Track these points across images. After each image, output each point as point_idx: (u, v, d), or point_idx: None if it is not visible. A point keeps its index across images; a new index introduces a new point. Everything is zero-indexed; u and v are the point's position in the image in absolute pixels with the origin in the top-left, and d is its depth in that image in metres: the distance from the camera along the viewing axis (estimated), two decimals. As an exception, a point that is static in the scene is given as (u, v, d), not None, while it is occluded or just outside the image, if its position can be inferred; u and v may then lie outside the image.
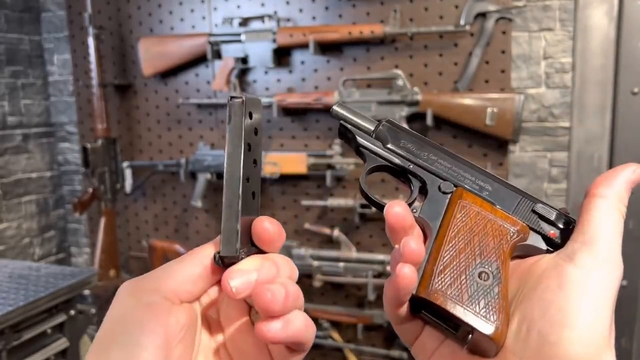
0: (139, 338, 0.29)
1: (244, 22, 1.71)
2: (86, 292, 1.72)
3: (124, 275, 1.98)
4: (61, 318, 1.45)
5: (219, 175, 1.78)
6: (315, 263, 1.64)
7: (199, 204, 1.79)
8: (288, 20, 1.67)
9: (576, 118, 1.46)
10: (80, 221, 2.20)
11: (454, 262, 0.35)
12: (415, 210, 0.38)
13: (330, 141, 1.65)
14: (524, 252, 0.36)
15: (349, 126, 0.41)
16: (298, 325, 0.31)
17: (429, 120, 1.47)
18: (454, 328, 0.34)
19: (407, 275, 0.33)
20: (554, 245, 0.36)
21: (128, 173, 1.88)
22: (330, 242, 1.70)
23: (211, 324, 0.35)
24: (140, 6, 1.87)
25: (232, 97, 0.33)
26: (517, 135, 1.46)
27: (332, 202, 1.65)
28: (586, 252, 0.32)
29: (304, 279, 1.73)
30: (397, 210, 0.36)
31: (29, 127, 2.07)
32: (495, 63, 1.48)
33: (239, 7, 1.73)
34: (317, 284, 1.64)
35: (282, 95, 1.65)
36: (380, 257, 1.59)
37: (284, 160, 1.66)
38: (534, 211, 0.37)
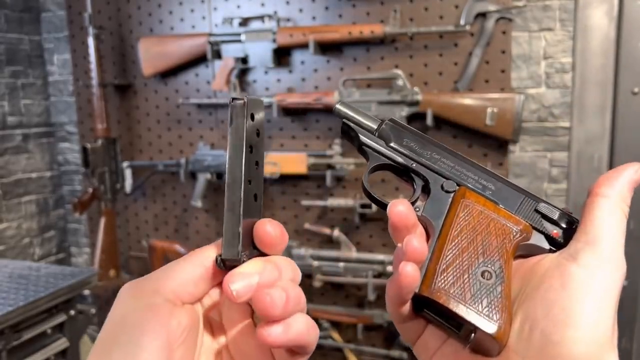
0: (140, 339, 0.29)
1: (244, 22, 1.71)
2: (86, 292, 1.72)
3: (124, 275, 1.98)
4: (61, 318, 1.45)
5: (219, 175, 1.78)
6: (315, 263, 1.64)
7: (199, 204, 1.79)
8: (288, 20, 1.67)
9: (576, 118, 1.46)
10: (80, 221, 2.20)
11: (457, 261, 0.35)
12: (418, 209, 0.38)
13: (330, 141, 1.65)
14: (527, 251, 0.36)
15: (352, 124, 0.41)
16: (299, 328, 0.31)
17: (429, 120, 1.47)
18: (457, 327, 0.34)
19: (409, 273, 0.33)
20: (556, 245, 0.36)
21: (128, 173, 1.88)
22: (330, 242, 1.70)
23: (213, 325, 0.34)
24: (140, 6, 1.87)
25: (233, 99, 0.33)
26: (517, 135, 1.46)
27: (332, 202, 1.65)
28: (589, 251, 0.32)
29: (304, 279, 1.72)
30: (400, 208, 0.36)
31: (29, 127, 2.07)
32: (495, 63, 1.48)
33: (239, 7, 1.73)
34: (317, 284, 1.64)
35: (282, 95, 1.65)
36: (380, 257, 1.59)
37: (284, 160, 1.66)
38: (536, 210, 0.37)
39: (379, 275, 1.60)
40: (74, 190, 2.18)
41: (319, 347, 1.79)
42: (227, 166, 0.33)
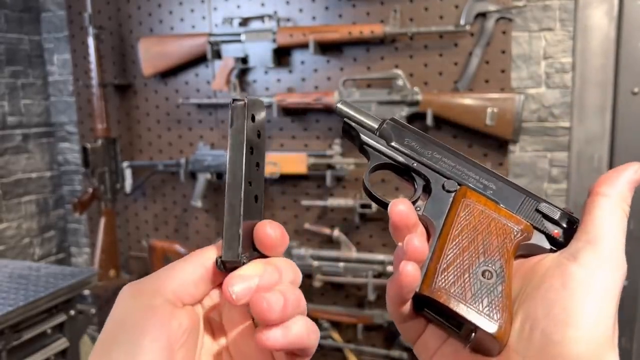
0: (141, 341, 0.29)
1: (244, 22, 1.71)
2: (86, 292, 1.72)
3: (124, 275, 1.98)
4: (61, 318, 1.45)
5: (219, 175, 1.78)
6: (315, 263, 1.64)
7: (199, 204, 1.79)
8: (288, 20, 1.67)
9: (576, 118, 1.46)
10: (80, 221, 2.20)
11: (458, 261, 0.35)
12: (418, 209, 0.38)
13: (330, 141, 1.65)
14: (528, 251, 0.36)
15: (353, 124, 0.41)
16: (299, 331, 0.31)
17: (429, 120, 1.47)
18: (457, 326, 0.34)
19: (410, 272, 0.33)
20: (557, 245, 0.36)
21: (128, 173, 1.88)
22: (330, 242, 1.70)
23: (213, 327, 0.34)
24: (140, 6, 1.87)
25: (234, 100, 0.33)
26: (517, 135, 1.46)
27: (332, 202, 1.65)
28: (590, 251, 0.32)
29: (304, 279, 1.72)
30: (401, 208, 0.36)
31: (29, 127, 2.07)
32: (496, 63, 1.48)
33: (239, 7, 1.73)
34: (317, 284, 1.64)
35: (282, 95, 1.65)
36: (380, 257, 1.59)
37: (284, 160, 1.66)
38: (537, 210, 0.37)
39: (379, 275, 1.60)
40: (74, 190, 2.18)
41: (319, 347, 1.78)
42: (227, 167, 0.32)
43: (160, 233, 2.00)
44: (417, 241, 0.34)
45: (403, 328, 0.37)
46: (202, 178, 1.78)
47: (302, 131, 1.72)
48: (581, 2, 1.40)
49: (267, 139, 1.76)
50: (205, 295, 0.33)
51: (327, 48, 1.61)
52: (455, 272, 0.34)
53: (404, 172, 0.40)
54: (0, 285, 1.42)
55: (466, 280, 0.34)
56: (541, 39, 1.45)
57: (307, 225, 1.71)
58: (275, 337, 0.30)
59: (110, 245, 1.89)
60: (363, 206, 1.60)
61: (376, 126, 0.40)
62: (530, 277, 0.34)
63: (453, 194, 0.38)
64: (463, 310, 0.33)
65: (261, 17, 1.68)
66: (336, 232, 1.65)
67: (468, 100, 1.45)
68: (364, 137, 0.40)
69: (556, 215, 0.36)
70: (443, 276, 0.34)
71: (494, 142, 1.51)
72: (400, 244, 0.35)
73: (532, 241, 0.36)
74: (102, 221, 1.89)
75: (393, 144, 0.40)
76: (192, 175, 1.83)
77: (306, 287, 1.73)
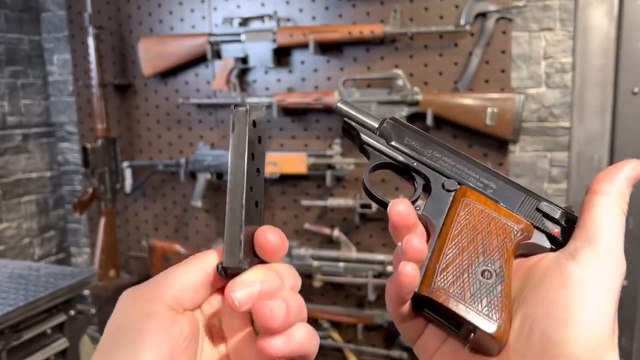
0: (143, 348, 0.29)
1: (244, 22, 1.71)
2: (86, 292, 1.72)
3: (123, 275, 1.98)
4: (61, 318, 1.45)
5: (219, 175, 1.78)
6: (315, 263, 1.64)
7: (198, 204, 1.79)
8: (288, 20, 1.67)
9: (576, 118, 1.46)
10: (80, 221, 2.20)
11: (457, 260, 0.35)
12: (418, 208, 0.38)
13: (330, 141, 1.65)
14: (528, 250, 0.36)
15: (353, 123, 0.41)
16: (300, 339, 0.31)
17: (429, 120, 1.47)
18: (456, 326, 0.34)
19: (409, 273, 0.33)
20: (558, 244, 0.36)
21: (128, 173, 1.88)
22: (330, 242, 1.70)
23: (213, 333, 0.34)
24: (140, 6, 1.87)
25: (235, 106, 0.33)
26: (517, 135, 1.46)
27: (332, 202, 1.65)
28: (588, 250, 0.32)
29: (304, 279, 1.72)
30: (400, 208, 0.36)
31: (29, 127, 2.07)
32: (496, 63, 1.48)
33: (239, 7, 1.73)
34: (317, 284, 1.64)
35: (282, 95, 1.65)
36: (380, 257, 1.59)
37: (284, 160, 1.66)
38: (538, 209, 0.37)
39: (379, 275, 1.60)
40: (74, 190, 2.18)
41: (319, 347, 1.78)
42: (229, 172, 0.32)
43: (160, 233, 2.00)
44: (416, 241, 0.34)
45: (403, 328, 0.37)
46: (202, 178, 1.78)
47: (302, 131, 1.72)
48: (581, 2, 1.40)
49: (267, 139, 1.76)
50: (204, 301, 0.33)
51: (327, 48, 1.61)
52: (455, 272, 0.34)
53: (404, 171, 0.40)
54: (0, 285, 1.42)
55: (465, 280, 0.34)
56: (541, 39, 1.45)
57: (307, 225, 1.71)
58: (277, 345, 0.30)
59: (110, 245, 1.89)
60: (363, 206, 1.60)
61: (376, 125, 0.40)
62: (530, 276, 0.34)
63: (453, 193, 0.38)
64: (462, 310, 0.33)
65: (261, 17, 1.68)
66: (336, 232, 1.65)
67: (468, 100, 1.45)
68: (363, 137, 0.40)
69: (557, 214, 0.36)
70: (442, 276, 0.34)
71: (494, 142, 1.51)
72: (399, 244, 0.35)
73: (532, 240, 0.36)
74: (102, 221, 1.89)
75: (393, 143, 0.40)
76: (192, 175, 1.83)
77: (306, 287, 1.73)
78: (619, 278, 0.32)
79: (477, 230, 0.36)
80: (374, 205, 1.56)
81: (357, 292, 1.74)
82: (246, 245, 0.32)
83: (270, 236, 0.32)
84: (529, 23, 1.45)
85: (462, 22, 1.45)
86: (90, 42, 1.80)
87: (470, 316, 0.33)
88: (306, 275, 1.69)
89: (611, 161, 1.45)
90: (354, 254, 1.62)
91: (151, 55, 1.78)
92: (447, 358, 0.35)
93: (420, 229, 0.38)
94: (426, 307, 0.35)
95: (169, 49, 1.76)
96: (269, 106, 1.65)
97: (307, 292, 1.75)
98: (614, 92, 1.43)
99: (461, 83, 1.49)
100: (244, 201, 0.32)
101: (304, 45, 1.58)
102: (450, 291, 0.34)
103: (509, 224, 0.36)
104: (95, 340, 2.09)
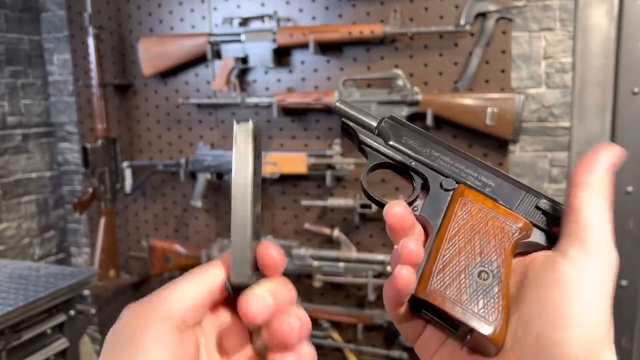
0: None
1: (244, 22, 1.71)
2: (86, 292, 1.72)
3: (123, 275, 1.98)
4: (61, 318, 1.45)
5: (219, 175, 1.78)
6: (315, 263, 1.64)
7: (199, 204, 1.79)
8: (288, 20, 1.67)
9: (576, 118, 1.46)
10: (80, 221, 2.20)
11: (454, 261, 0.35)
12: (416, 209, 0.38)
13: (330, 141, 1.65)
14: (528, 249, 0.36)
15: (351, 124, 0.41)
16: (307, 356, 0.31)
17: (429, 120, 1.47)
18: (454, 327, 0.34)
19: (405, 276, 0.33)
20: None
21: (128, 173, 1.88)
22: (330, 242, 1.70)
23: (210, 351, 0.34)
24: (140, 6, 1.87)
25: (239, 121, 0.33)
26: (517, 135, 1.46)
27: (332, 202, 1.64)
28: (577, 247, 0.32)
29: (304, 279, 1.73)
30: (396, 210, 0.35)
31: (29, 127, 2.07)
32: (496, 63, 1.48)
33: (239, 7, 1.73)
34: (317, 284, 1.64)
35: (282, 95, 1.65)
36: (380, 257, 1.59)
37: (284, 160, 1.66)
38: (537, 207, 0.37)
39: (379, 275, 1.60)
40: (73, 190, 2.18)
41: (319, 347, 1.78)
42: (233, 189, 0.33)
43: (160, 233, 2.00)
44: (412, 244, 0.34)
45: (402, 328, 0.37)
46: (202, 178, 1.78)
47: (302, 131, 1.72)
48: (581, 2, 1.40)
49: (266, 139, 1.76)
50: (205, 317, 0.33)
51: (327, 48, 1.61)
52: (451, 274, 0.34)
53: (403, 171, 0.40)
54: (0, 285, 1.42)
55: (462, 282, 0.34)
56: (541, 39, 1.45)
57: (307, 225, 1.71)
58: None
59: (110, 245, 1.89)
60: (363, 206, 1.60)
61: (374, 125, 0.40)
62: (525, 276, 0.34)
63: (451, 193, 0.37)
64: (458, 312, 0.33)
65: (261, 17, 1.68)
66: (336, 232, 1.65)
67: (468, 100, 1.45)
68: (362, 137, 0.40)
69: (557, 212, 0.36)
70: (439, 278, 0.34)
71: (494, 142, 1.51)
72: (396, 246, 0.35)
73: (531, 239, 0.36)
74: (102, 221, 1.89)
75: (391, 142, 0.40)
76: (192, 175, 1.83)
77: (306, 287, 1.73)
78: (611, 273, 0.31)
79: (474, 230, 0.36)
80: (374, 205, 1.56)
81: (357, 292, 1.74)
82: (252, 261, 0.33)
83: (274, 253, 0.33)
84: (529, 23, 1.45)
85: (462, 22, 1.45)
86: (90, 42, 1.80)
87: (466, 318, 0.33)
88: (306, 275, 1.69)
89: (611, 161, 1.45)
90: (354, 254, 1.62)
91: (151, 55, 1.78)
92: (447, 358, 0.35)
93: (419, 229, 0.37)
94: (424, 308, 0.35)
95: (169, 49, 1.76)
96: (268, 106, 1.65)
97: (307, 292, 1.75)
98: (614, 92, 1.42)
99: (461, 83, 1.49)
100: (251, 218, 0.32)
101: (304, 45, 1.58)
102: (447, 293, 0.34)
103: (507, 223, 0.36)
104: (95, 340, 2.09)
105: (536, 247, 0.36)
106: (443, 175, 0.38)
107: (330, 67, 1.65)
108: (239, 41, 1.68)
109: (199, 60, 1.76)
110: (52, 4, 2.05)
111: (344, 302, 1.77)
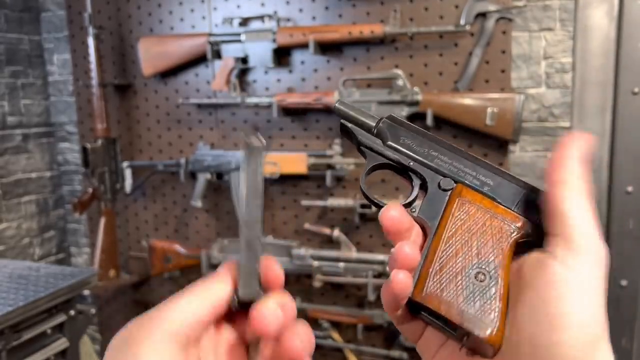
0: None
1: (244, 22, 1.71)
2: (86, 292, 1.72)
3: (123, 275, 1.98)
4: (61, 318, 1.45)
5: (219, 175, 1.78)
6: (315, 263, 1.64)
7: (198, 204, 1.79)
8: (288, 20, 1.67)
9: (576, 118, 1.45)
10: (80, 221, 2.20)
11: (451, 263, 0.34)
12: (414, 210, 0.37)
13: (330, 141, 1.65)
14: (530, 247, 0.36)
15: (349, 125, 0.40)
16: None
17: (429, 120, 1.46)
18: (453, 329, 0.34)
19: (401, 280, 0.33)
20: None
21: (128, 173, 1.88)
22: (330, 242, 1.70)
23: None
24: (140, 6, 1.87)
25: (250, 140, 0.34)
26: (517, 135, 1.46)
27: (332, 202, 1.64)
28: (565, 247, 0.32)
29: (304, 279, 1.73)
30: (392, 213, 0.36)
31: (29, 127, 2.07)
32: (496, 63, 1.48)
33: (239, 7, 1.73)
34: (317, 284, 1.64)
35: (282, 95, 1.65)
36: (380, 257, 1.59)
37: (284, 160, 1.66)
38: (537, 205, 0.36)
39: (379, 275, 1.60)
40: (73, 190, 2.18)
41: (319, 347, 1.78)
42: (244, 205, 0.33)
43: (160, 233, 2.00)
44: (407, 248, 0.34)
45: (403, 329, 0.37)
46: (202, 178, 1.78)
47: (302, 131, 1.72)
48: (581, 2, 1.40)
49: (266, 139, 1.76)
50: (205, 333, 0.33)
51: (327, 48, 1.61)
52: (448, 276, 0.34)
53: (402, 171, 0.39)
54: (0, 285, 1.42)
55: (459, 284, 0.34)
56: (541, 39, 1.45)
57: (307, 225, 1.71)
58: None
59: (110, 245, 1.89)
60: (363, 206, 1.60)
61: (373, 124, 0.40)
62: (519, 276, 0.34)
63: (449, 193, 0.37)
64: (454, 315, 0.33)
65: (261, 17, 1.68)
66: (336, 232, 1.65)
67: (468, 100, 1.45)
68: (360, 138, 0.40)
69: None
70: (435, 280, 0.34)
71: (494, 142, 1.51)
72: (392, 250, 0.35)
73: (532, 237, 0.36)
74: (102, 221, 1.89)
75: (389, 143, 0.39)
76: (192, 175, 1.83)
77: (306, 287, 1.73)
78: (602, 269, 0.31)
79: (471, 231, 0.35)
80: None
81: (357, 292, 1.74)
82: (259, 276, 0.33)
83: (277, 268, 0.33)
84: (529, 23, 1.45)
85: (462, 22, 1.45)
86: (90, 42, 1.80)
87: (463, 321, 0.33)
88: (306, 275, 1.69)
89: (611, 161, 1.45)
90: (354, 254, 1.62)
91: (151, 55, 1.78)
92: (448, 357, 0.35)
93: (417, 231, 0.37)
94: (422, 310, 0.35)
95: (169, 49, 1.76)
96: (268, 106, 1.65)
97: (307, 292, 1.75)
98: (614, 92, 1.42)
99: (461, 83, 1.49)
100: (260, 236, 0.33)
101: (304, 45, 1.58)
102: (443, 295, 0.33)
103: (506, 222, 0.36)
104: (95, 340, 2.09)
105: (537, 246, 0.35)
106: (441, 174, 0.38)
107: (330, 67, 1.65)
108: (239, 41, 1.68)
109: (199, 60, 1.76)
110: (52, 4, 2.05)
111: (344, 302, 1.77)
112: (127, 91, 1.95)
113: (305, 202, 1.70)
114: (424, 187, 0.38)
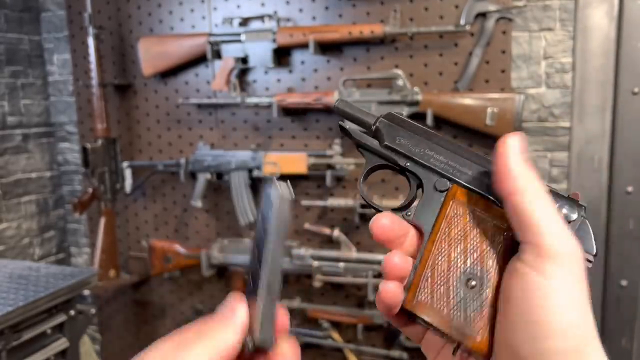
0: None
1: (244, 22, 1.71)
2: (86, 292, 1.72)
3: (123, 275, 1.98)
4: (61, 318, 1.45)
5: (219, 176, 1.78)
6: (315, 263, 1.64)
7: (198, 204, 1.79)
8: (288, 20, 1.67)
9: (576, 118, 1.45)
10: (80, 221, 2.20)
11: (442, 269, 0.34)
12: (409, 214, 0.37)
13: (330, 141, 1.65)
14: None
15: (347, 126, 0.40)
16: None
17: (429, 120, 1.46)
18: (445, 334, 0.34)
19: (390, 290, 0.33)
20: None
21: (128, 173, 1.88)
22: (330, 242, 1.70)
23: None
24: (140, 6, 1.87)
25: (276, 183, 0.32)
26: (517, 135, 1.46)
27: (332, 202, 1.64)
28: (537, 253, 0.31)
29: (304, 279, 1.73)
30: (383, 222, 0.35)
31: (29, 127, 2.07)
32: (496, 63, 1.48)
33: (239, 7, 1.73)
34: (317, 284, 1.64)
35: (282, 95, 1.65)
36: (380, 257, 1.59)
37: (284, 160, 1.66)
38: None
39: (379, 275, 1.59)
40: (73, 190, 2.18)
41: (319, 347, 1.78)
42: (269, 250, 0.32)
43: (160, 233, 2.00)
44: (397, 259, 0.34)
45: (405, 331, 0.37)
46: (202, 178, 1.78)
47: (302, 131, 1.72)
48: (581, 2, 1.40)
49: (266, 139, 1.76)
50: None
51: (327, 48, 1.61)
52: (439, 282, 0.34)
53: (400, 172, 0.39)
54: (0, 285, 1.42)
55: (450, 291, 0.33)
56: (541, 39, 1.45)
57: (307, 225, 1.71)
58: None
59: (110, 245, 1.89)
60: (363, 206, 1.60)
61: (371, 123, 0.40)
62: (504, 285, 0.33)
63: (444, 194, 0.37)
64: (443, 324, 0.33)
65: (261, 17, 1.68)
66: (336, 232, 1.65)
67: (468, 100, 1.45)
68: (357, 139, 0.40)
69: (556, 205, 0.35)
70: (426, 287, 0.34)
71: (494, 142, 1.51)
72: (386, 256, 0.35)
73: None
74: (102, 221, 1.89)
75: (386, 143, 0.39)
76: (192, 175, 1.83)
77: (306, 287, 1.73)
78: (579, 271, 0.31)
79: (464, 234, 0.35)
80: (374, 205, 1.55)
81: (357, 292, 1.74)
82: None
83: (285, 313, 0.33)
84: (529, 23, 1.45)
85: (462, 22, 1.45)
86: (90, 42, 1.80)
87: (451, 330, 0.32)
88: (306, 275, 1.69)
89: (611, 161, 1.45)
90: (354, 254, 1.62)
91: (151, 55, 1.78)
92: (450, 357, 0.35)
93: (411, 235, 0.37)
94: (417, 316, 0.35)
95: (169, 49, 1.76)
96: (268, 106, 1.65)
97: (307, 292, 1.75)
98: (614, 92, 1.42)
99: (461, 83, 1.49)
100: (281, 280, 0.32)
101: (304, 45, 1.58)
102: (433, 303, 0.33)
103: (500, 225, 0.35)
104: (95, 341, 2.09)
105: None
106: (437, 175, 0.37)
107: (330, 67, 1.65)
108: (239, 41, 1.68)
109: (199, 60, 1.76)
110: (52, 4, 2.05)
111: (344, 302, 1.77)
112: (127, 91, 1.95)
113: (305, 202, 1.70)
114: (420, 187, 0.38)
